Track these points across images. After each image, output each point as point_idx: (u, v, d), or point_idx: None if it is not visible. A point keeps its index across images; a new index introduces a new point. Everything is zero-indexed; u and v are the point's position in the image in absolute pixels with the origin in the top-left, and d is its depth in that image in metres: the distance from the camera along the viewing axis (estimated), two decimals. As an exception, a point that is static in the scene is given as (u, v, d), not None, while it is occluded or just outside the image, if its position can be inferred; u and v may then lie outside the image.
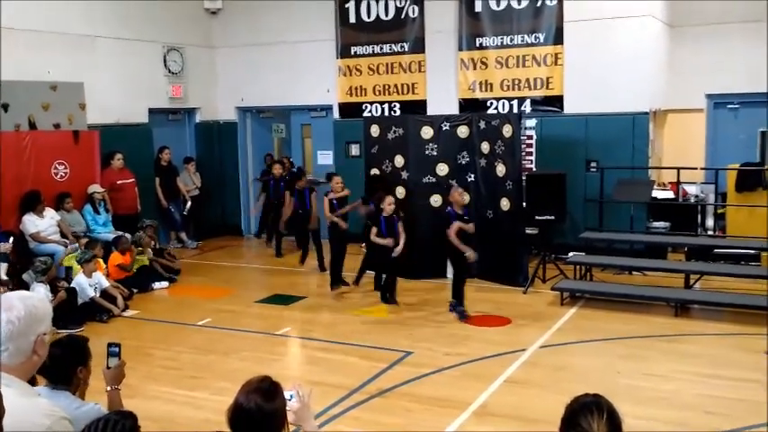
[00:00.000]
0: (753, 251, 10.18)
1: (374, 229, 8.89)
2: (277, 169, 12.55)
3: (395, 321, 8.34)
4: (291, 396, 2.75)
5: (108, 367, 3.38)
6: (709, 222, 11.16)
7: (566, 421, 2.19)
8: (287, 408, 2.66)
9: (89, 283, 8.68)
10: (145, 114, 12.56)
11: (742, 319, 7.96)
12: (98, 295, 8.71)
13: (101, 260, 9.40)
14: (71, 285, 8.66)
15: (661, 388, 6.15)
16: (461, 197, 8.51)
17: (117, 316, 8.66)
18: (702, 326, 7.96)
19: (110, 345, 3.43)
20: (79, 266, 8.90)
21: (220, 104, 14.19)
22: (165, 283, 10.20)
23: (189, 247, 12.99)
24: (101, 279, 8.92)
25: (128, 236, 10.20)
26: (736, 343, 7.24)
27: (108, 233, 10.45)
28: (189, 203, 12.88)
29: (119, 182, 11.15)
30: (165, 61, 12.91)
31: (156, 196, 12.38)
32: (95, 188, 10.59)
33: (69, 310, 8.20)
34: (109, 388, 3.35)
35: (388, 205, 8.84)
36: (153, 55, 12.70)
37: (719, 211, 11.06)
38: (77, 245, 9.63)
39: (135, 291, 9.65)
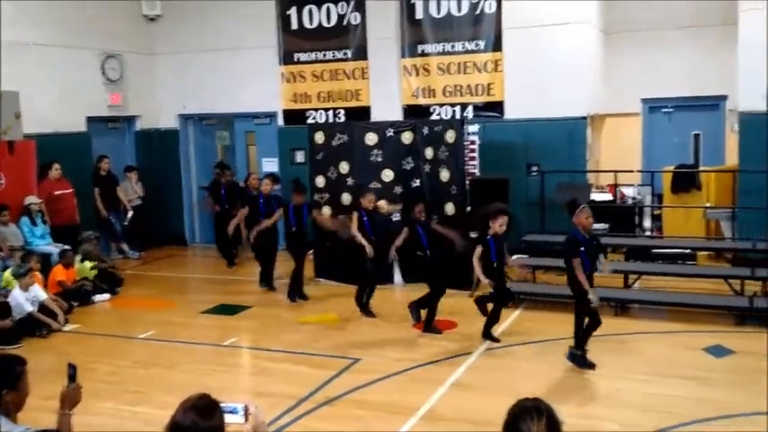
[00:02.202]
0: (689, 250, 10.54)
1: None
2: (227, 176, 12.31)
3: (343, 328, 8.34)
4: (235, 408, 2.72)
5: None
6: (647, 223, 11.50)
7: (507, 426, 2.24)
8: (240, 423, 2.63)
9: (26, 298, 8.41)
10: (83, 123, 12.26)
11: (680, 318, 8.23)
12: (36, 309, 8.44)
13: (38, 273, 9.13)
14: (6, 300, 8.38)
15: (604, 387, 6.31)
16: (588, 220, 6.72)
17: (56, 331, 8.42)
18: (642, 325, 8.19)
19: (69, 366, 3.33)
20: (15, 281, 8.62)
21: (161, 112, 13.95)
22: (106, 296, 9.97)
23: (131, 257, 12.72)
24: (38, 292, 8.66)
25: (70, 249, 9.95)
26: (675, 341, 7.48)
27: (46, 245, 10.17)
28: (130, 213, 12.62)
29: (56, 192, 10.86)
30: (102, 69, 12.63)
31: (96, 207, 12.09)
32: (32, 199, 10.29)
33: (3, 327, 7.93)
34: (62, 411, 3.23)
35: (368, 202, 8.88)
36: (90, 62, 12.41)
37: (656, 212, 11.43)
38: (14, 259, 9.33)
39: (75, 304, 9.40)
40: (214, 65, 13.35)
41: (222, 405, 2.69)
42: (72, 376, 3.32)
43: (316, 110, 12.99)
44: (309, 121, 12.80)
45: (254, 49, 13.07)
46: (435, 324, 8.07)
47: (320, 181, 10.65)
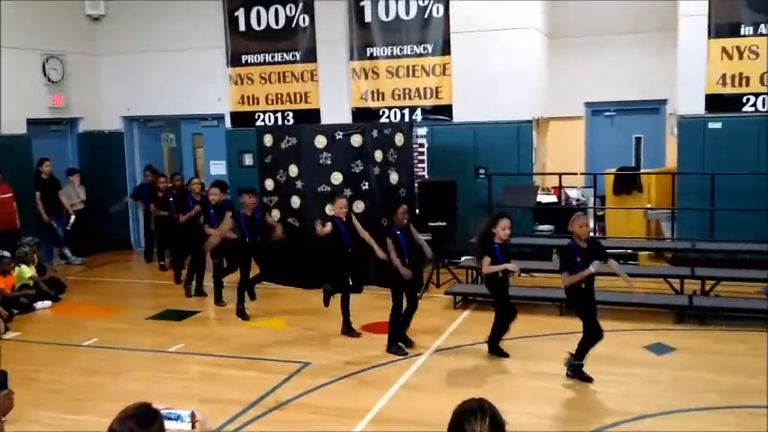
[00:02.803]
0: (630, 251, 10.82)
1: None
2: (175, 181, 11.94)
3: (291, 332, 8.31)
4: (181, 416, 2.68)
5: None
6: (591, 224, 11.73)
7: (451, 426, 2.27)
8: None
9: (-38, 306, 8.13)
10: (23, 125, 11.91)
11: (622, 317, 8.43)
12: (-27, 318, 8.18)
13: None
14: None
15: (547, 386, 6.42)
16: (582, 229, 6.44)
17: (-4, 339, 8.16)
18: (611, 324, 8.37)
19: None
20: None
21: (105, 114, 13.65)
22: (47, 303, 9.70)
23: (73, 263, 12.41)
24: (-25, 301, 8.39)
25: (7, 254, 9.64)
26: (618, 339, 7.65)
27: (-15, 251, 9.85)
28: (73, 218, 12.30)
29: (-5, 197, 10.54)
30: (44, 69, 12.30)
31: (37, 211, 11.76)
32: (-32, 204, 9.96)
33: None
34: None
35: (339, 209, 8.10)
36: (31, 63, 12.07)
37: (599, 213, 11.69)
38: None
39: (15, 311, 9.13)
40: (160, 66, 13.14)
41: (167, 412, 2.64)
42: (3, 383, 3.24)
43: (264, 112, 12.90)
44: (258, 123, 12.71)
45: (200, 50, 12.91)
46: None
47: (269, 184, 10.56)
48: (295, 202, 10.28)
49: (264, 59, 12.77)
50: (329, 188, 10.28)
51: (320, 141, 10.35)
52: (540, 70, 12.16)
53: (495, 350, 7.17)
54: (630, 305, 8.60)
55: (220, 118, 13.20)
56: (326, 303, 8.28)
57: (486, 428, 2.21)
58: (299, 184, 10.38)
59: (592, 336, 6.35)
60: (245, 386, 6.51)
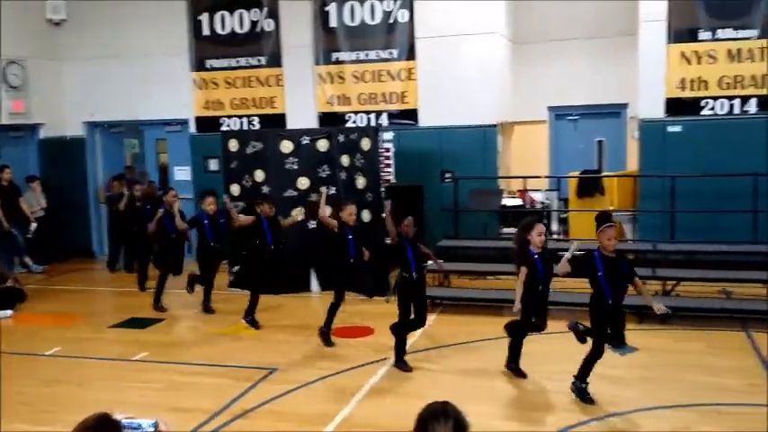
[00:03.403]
0: (594, 252, 10.96)
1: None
2: (139, 190, 11.64)
3: (258, 339, 8.26)
4: (143, 425, 2.66)
5: None
6: (555, 227, 11.92)
7: (416, 430, 2.29)
8: None
9: None
10: (-19, 131, 11.70)
11: (585, 318, 8.53)
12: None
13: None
14: None
15: (512, 388, 6.49)
16: (610, 242, 6.05)
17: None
18: (549, 325, 8.45)
19: None
20: None
21: (67, 119, 13.45)
22: (8, 312, 9.51)
23: (34, 271, 12.19)
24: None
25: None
26: (581, 339, 7.77)
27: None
28: (33, 225, 12.07)
29: (-47, 205, 10.31)
30: (4, 75, 12.08)
31: (-3, 219, 11.53)
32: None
33: None
34: None
35: (348, 215, 7.75)
36: (-11, 68, 11.86)
37: (563, 216, 11.86)
38: None
39: (-26, 322, 8.94)
40: (123, 71, 12.99)
41: (129, 422, 2.62)
42: None
43: (229, 117, 12.83)
44: (223, 128, 12.63)
45: (164, 55, 12.80)
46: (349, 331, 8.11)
47: (235, 189, 10.49)
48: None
49: (229, 64, 12.71)
50: (296, 193, 10.28)
51: (286, 146, 10.33)
52: (504, 75, 12.29)
53: (515, 370, 6.70)
54: (586, 306, 8.72)
55: (185, 123, 13.10)
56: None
57: (450, 430, 2.24)
58: (264, 189, 10.33)
59: (597, 353, 5.97)
60: (210, 394, 6.46)
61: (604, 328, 6.02)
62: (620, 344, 6.05)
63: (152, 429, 2.69)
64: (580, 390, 6.02)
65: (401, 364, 6.99)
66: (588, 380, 6.02)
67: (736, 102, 10.39)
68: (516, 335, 6.71)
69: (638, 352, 7.26)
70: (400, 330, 7.04)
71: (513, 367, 6.71)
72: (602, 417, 5.74)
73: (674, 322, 8.17)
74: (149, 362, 7.71)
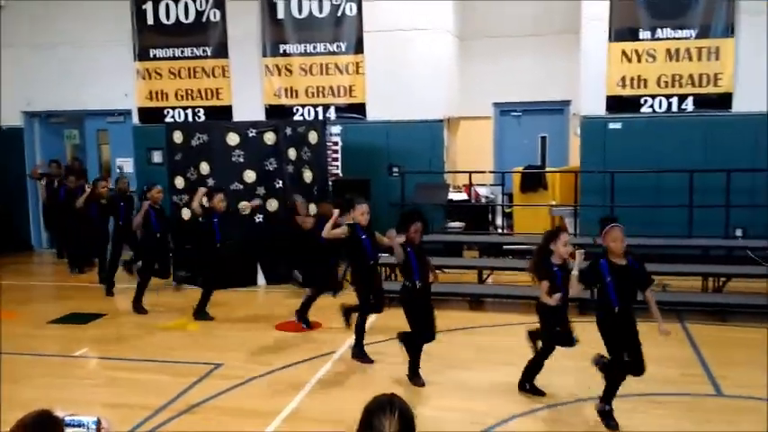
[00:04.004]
0: (537, 246, 11.18)
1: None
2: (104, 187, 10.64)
3: (203, 333, 8.17)
4: (85, 422, 2.61)
5: None
6: (499, 221, 12.12)
7: (361, 422, 2.31)
8: None
9: None
10: None
11: (528, 310, 8.70)
12: None
13: None
14: None
15: (457, 379, 6.58)
16: (615, 244, 5.39)
17: None
18: (494, 317, 8.63)
19: None
20: None
21: (3, 109, 13.01)
22: (-60, 308, 9.17)
23: (-31, 266, 11.78)
24: None
25: None
26: (524, 332, 7.92)
27: None
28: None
29: None
30: (-66, 61, 11.62)
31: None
32: None
33: None
34: None
35: (361, 215, 6.96)
36: None
37: (507, 210, 12.06)
38: None
39: None
40: (63, 59, 12.64)
41: (70, 419, 2.58)
42: None
43: (174, 108, 12.62)
44: (167, 119, 12.42)
45: (106, 44, 12.51)
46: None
47: (179, 182, 10.36)
48: (206, 200, 10.08)
49: (174, 54, 12.50)
50: (242, 186, 10.19)
51: (232, 139, 10.23)
52: (450, 71, 12.41)
53: (532, 389, 6.10)
54: (533, 298, 8.91)
55: (127, 114, 12.82)
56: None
57: (395, 423, 2.26)
58: (210, 182, 10.21)
59: (621, 372, 5.38)
60: (154, 390, 6.36)
61: (616, 339, 5.40)
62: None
63: (94, 427, 2.65)
64: (604, 413, 5.42)
65: (416, 378, 6.36)
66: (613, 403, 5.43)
67: (674, 100, 10.73)
68: (544, 353, 6.02)
69: (578, 343, 7.50)
70: (412, 344, 6.38)
71: (530, 387, 6.11)
72: (544, 407, 5.87)
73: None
74: (90, 358, 7.55)
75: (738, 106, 10.51)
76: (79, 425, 2.56)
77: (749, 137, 10.32)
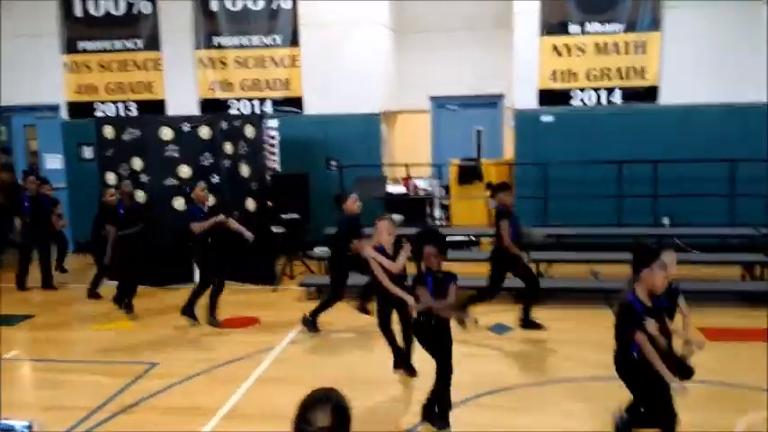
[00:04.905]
0: (474, 237, 11.39)
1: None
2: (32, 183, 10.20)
3: (138, 332, 8.02)
4: (15, 426, 2.56)
5: None
6: (437, 213, 12.26)
7: (296, 417, 2.33)
8: None
9: None
10: None
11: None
12: None
13: None
14: None
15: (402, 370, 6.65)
16: (660, 281, 4.41)
17: None
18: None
19: None
20: None
21: None
22: None
23: None
24: None
25: None
26: (462, 322, 8.07)
27: None
28: None
29: None
30: None
31: None
32: None
33: None
34: None
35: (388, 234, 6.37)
36: None
37: (445, 202, 12.21)
38: None
39: None
40: (-16, 52, 12.14)
41: (2, 423, 2.53)
42: None
43: (104, 102, 12.30)
44: (97, 114, 12.10)
45: (33, 37, 12.06)
46: (236, 321, 8.04)
47: (111, 178, 10.10)
48: (140, 196, 9.90)
49: (104, 47, 12.17)
50: (177, 182, 10.02)
51: (166, 133, 10.05)
52: (387, 65, 12.46)
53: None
54: (473, 288, 9.07)
55: (55, 108, 12.42)
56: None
57: (329, 416, 2.29)
58: (143, 177, 10.02)
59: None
60: (89, 391, 6.22)
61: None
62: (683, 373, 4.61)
63: (26, 431, 2.61)
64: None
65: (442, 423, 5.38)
66: None
67: (603, 93, 11.05)
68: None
69: (514, 331, 7.70)
70: (442, 380, 5.36)
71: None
72: (485, 393, 6.00)
73: (548, 302, 8.64)
74: (20, 360, 7.33)
75: (664, 98, 10.90)
76: (10, 429, 2.52)
77: (674, 128, 10.72)
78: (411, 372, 6.37)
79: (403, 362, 6.44)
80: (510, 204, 7.63)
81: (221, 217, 8.15)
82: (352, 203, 7.67)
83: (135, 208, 9.11)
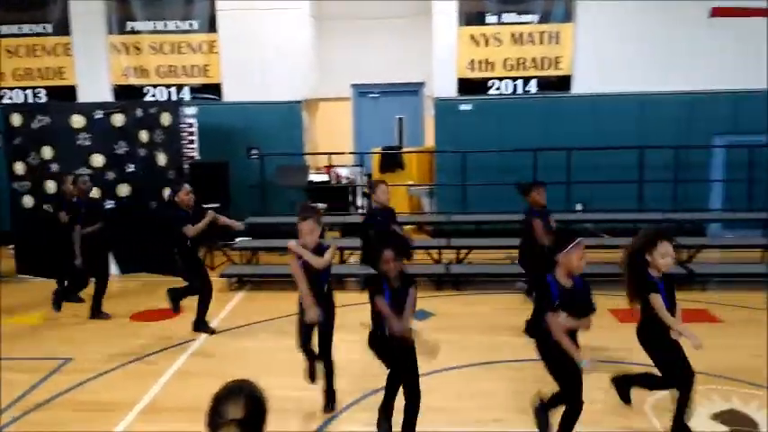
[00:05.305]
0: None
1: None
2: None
3: (50, 327, 7.77)
4: None
5: None
6: (360, 201, 12.32)
7: (210, 409, 2.33)
8: None
9: None
10: None
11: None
12: None
13: None
14: None
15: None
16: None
17: None
18: (356, 297, 8.78)
19: None
20: None
21: None
22: None
23: None
24: None
25: None
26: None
27: None
28: None
29: None
30: None
31: None
32: None
33: None
34: None
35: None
36: None
37: (367, 190, 12.25)
38: None
39: None
40: None
41: None
42: None
43: (11, 89, 11.79)
44: (4, 101, 11.58)
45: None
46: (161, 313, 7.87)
47: (19, 168, 9.71)
48: (50, 187, 9.56)
49: (10, 31, 11.66)
50: (90, 171, 9.70)
51: (77, 121, 9.73)
52: (308, 52, 12.38)
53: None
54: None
55: (-41, 95, 11.82)
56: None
57: (241, 408, 2.30)
58: (54, 167, 9.67)
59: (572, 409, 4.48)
60: (-2, 389, 6.00)
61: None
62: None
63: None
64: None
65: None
66: None
67: (519, 82, 11.32)
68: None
69: (434, 317, 7.84)
70: (390, 386, 5.01)
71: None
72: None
73: (467, 288, 8.85)
74: None
75: (577, 88, 11.26)
76: None
77: (587, 117, 11.10)
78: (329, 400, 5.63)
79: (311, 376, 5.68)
80: (540, 202, 7.24)
81: (212, 214, 7.46)
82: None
83: (93, 204, 8.55)
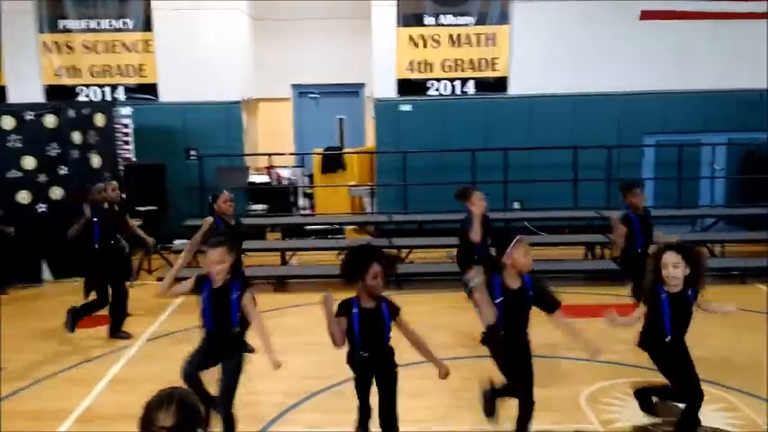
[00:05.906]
0: (338, 226, 11.54)
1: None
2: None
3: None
4: None
5: None
6: (301, 202, 12.29)
7: (142, 417, 2.32)
8: None
9: None
10: None
11: (332, 287, 8.96)
12: None
13: None
14: None
15: (265, 362, 6.63)
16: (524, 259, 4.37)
17: None
18: (299, 298, 8.79)
19: None
20: None
21: None
22: None
23: None
24: None
25: None
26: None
27: None
28: None
29: None
30: None
31: None
32: None
33: None
34: None
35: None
36: None
37: (308, 191, 12.26)
38: None
39: None
40: None
41: None
42: None
43: (-65, 89, 11.31)
44: (-73, 101, 11.10)
45: None
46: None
47: (-55, 171, 9.34)
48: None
49: (-69, 28, 11.17)
50: (21, 174, 9.43)
51: (7, 122, 9.45)
52: (246, 51, 12.29)
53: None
54: (333, 277, 9.20)
55: None
56: None
57: (172, 415, 2.29)
58: (-18, 170, 9.34)
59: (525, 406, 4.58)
60: None
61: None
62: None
63: None
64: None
65: None
66: None
67: (458, 83, 11.48)
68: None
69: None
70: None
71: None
72: (343, 381, 6.11)
73: (409, 287, 8.93)
74: None
75: (513, 89, 11.49)
76: None
77: (523, 117, 11.34)
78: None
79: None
80: (637, 205, 6.87)
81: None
82: (477, 200, 6.78)
83: None
